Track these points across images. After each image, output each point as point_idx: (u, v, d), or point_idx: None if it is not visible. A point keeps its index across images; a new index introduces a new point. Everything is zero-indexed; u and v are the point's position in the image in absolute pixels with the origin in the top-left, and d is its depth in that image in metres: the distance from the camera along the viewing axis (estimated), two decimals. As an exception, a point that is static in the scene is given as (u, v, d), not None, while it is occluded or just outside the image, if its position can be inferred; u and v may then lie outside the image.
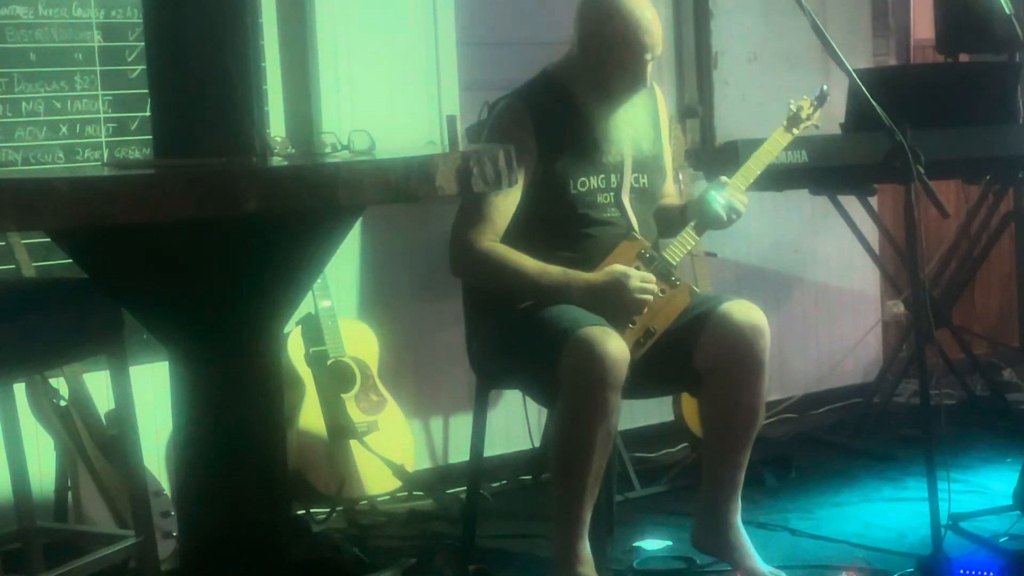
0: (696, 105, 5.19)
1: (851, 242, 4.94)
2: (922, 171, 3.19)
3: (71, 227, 2.46)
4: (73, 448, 3.62)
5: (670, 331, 3.40)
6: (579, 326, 3.19)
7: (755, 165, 3.57)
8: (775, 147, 3.63)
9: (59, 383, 3.66)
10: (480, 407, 3.61)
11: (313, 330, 4.16)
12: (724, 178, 3.54)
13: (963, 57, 5.31)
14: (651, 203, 3.57)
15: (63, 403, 3.64)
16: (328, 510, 4.10)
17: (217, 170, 2.46)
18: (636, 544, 3.82)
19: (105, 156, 3.99)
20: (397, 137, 4.19)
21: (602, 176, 3.45)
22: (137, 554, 3.09)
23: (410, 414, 4.44)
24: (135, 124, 4.03)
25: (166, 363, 2.67)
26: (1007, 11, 4.89)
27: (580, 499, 3.25)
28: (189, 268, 2.48)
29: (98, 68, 3.99)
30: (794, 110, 3.64)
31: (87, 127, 3.98)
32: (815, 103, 3.66)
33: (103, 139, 4.00)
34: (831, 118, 4.36)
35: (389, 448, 4.17)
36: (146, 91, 2.87)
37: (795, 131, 3.64)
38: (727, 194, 3.47)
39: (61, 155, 3.93)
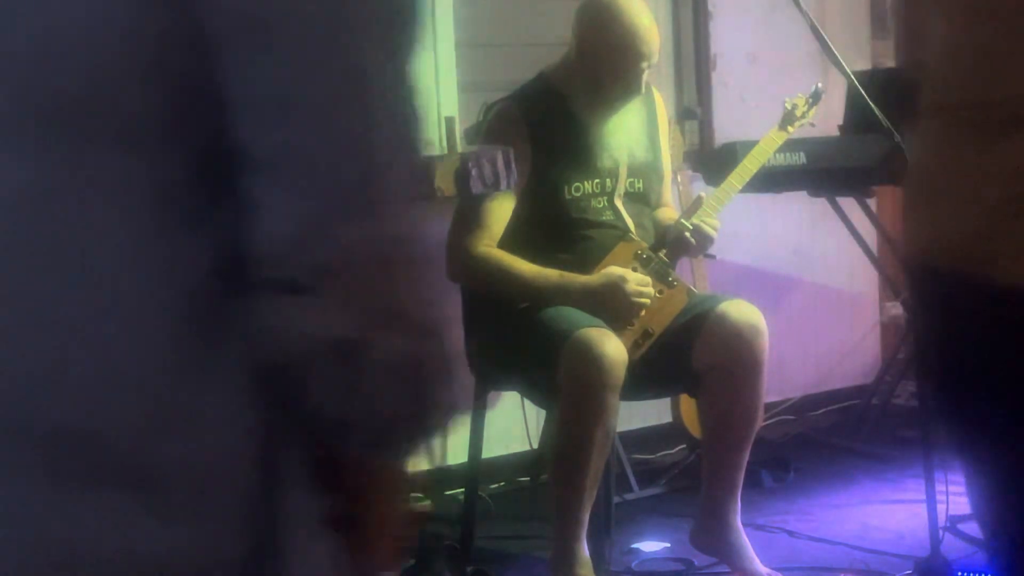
0: (695, 107, 5.19)
1: (849, 244, 4.94)
2: (920, 173, 3.19)
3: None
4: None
5: (668, 332, 3.40)
6: (577, 327, 3.19)
7: (751, 164, 3.58)
8: (771, 145, 3.64)
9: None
10: (478, 408, 3.61)
11: (311, 331, 4.16)
12: (701, 194, 3.57)
13: (962, 59, 5.31)
14: (647, 205, 3.57)
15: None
16: (326, 511, 4.10)
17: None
18: (634, 546, 3.82)
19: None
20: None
21: (596, 181, 3.45)
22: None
23: (408, 415, 4.43)
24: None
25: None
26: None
27: (578, 500, 3.25)
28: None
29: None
30: (789, 108, 3.65)
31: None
32: (810, 101, 3.66)
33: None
34: (830, 120, 4.37)
35: (387, 449, 4.17)
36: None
37: (790, 129, 3.65)
38: (696, 220, 3.47)
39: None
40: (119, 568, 0.93)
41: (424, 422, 0.99)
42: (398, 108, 0.98)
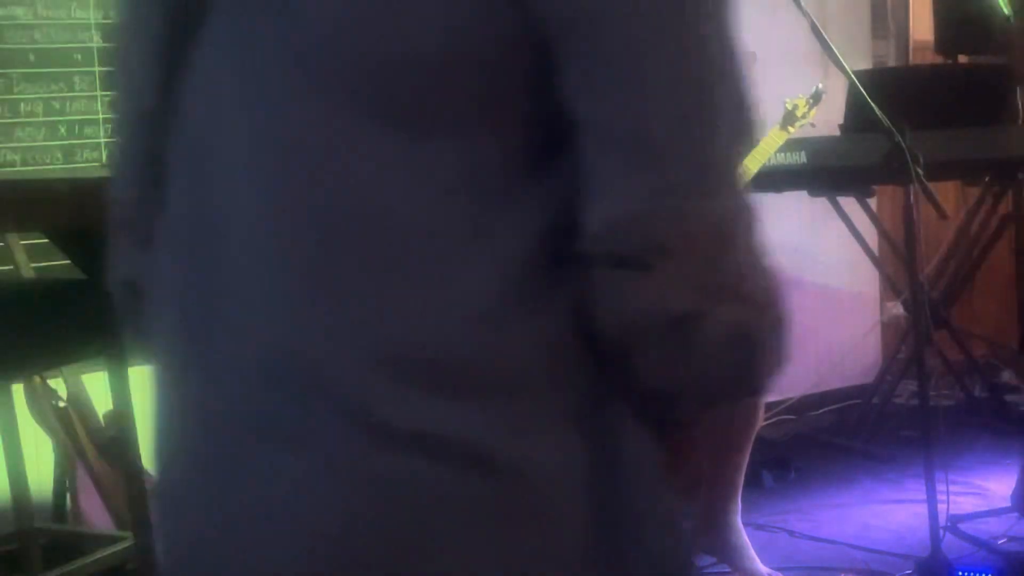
0: (695, 106, 5.19)
1: (850, 243, 4.94)
2: (921, 172, 3.19)
3: (70, 228, 2.46)
4: (72, 449, 3.62)
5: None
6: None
7: (751, 164, 3.58)
8: (771, 146, 3.64)
9: (58, 384, 3.66)
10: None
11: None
12: None
13: (962, 59, 5.32)
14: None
15: (62, 404, 3.64)
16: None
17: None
18: (635, 545, 3.81)
19: (104, 157, 3.99)
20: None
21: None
22: (135, 555, 3.09)
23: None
24: (134, 125, 4.03)
25: (165, 364, 2.67)
26: (1005, 13, 4.89)
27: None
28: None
29: (97, 69, 3.99)
30: (789, 108, 3.65)
31: (86, 128, 3.98)
32: (810, 101, 3.66)
33: (102, 140, 4.00)
34: (830, 119, 4.36)
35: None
36: (145, 92, 2.87)
37: (790, 129, 3.65)
38: None
39: (60, 156, 3.93)
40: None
41: (746, 391, 1.01)
42: (736, 81, 1.00)
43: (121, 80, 1.17)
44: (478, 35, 0.95)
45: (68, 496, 3.66)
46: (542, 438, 0.98)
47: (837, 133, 4.58)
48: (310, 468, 0.96)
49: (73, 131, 3.96)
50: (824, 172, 4.44)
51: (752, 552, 3.45)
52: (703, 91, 0.97)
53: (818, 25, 3.26)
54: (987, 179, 5.04)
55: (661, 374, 0.98)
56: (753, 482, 4.07)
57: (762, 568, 3.43)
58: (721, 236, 0.96)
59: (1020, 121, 4.77)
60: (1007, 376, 5.59)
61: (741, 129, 0.99)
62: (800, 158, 4.34)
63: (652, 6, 0.95)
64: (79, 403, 3.66)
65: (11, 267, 3.66)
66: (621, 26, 0.95)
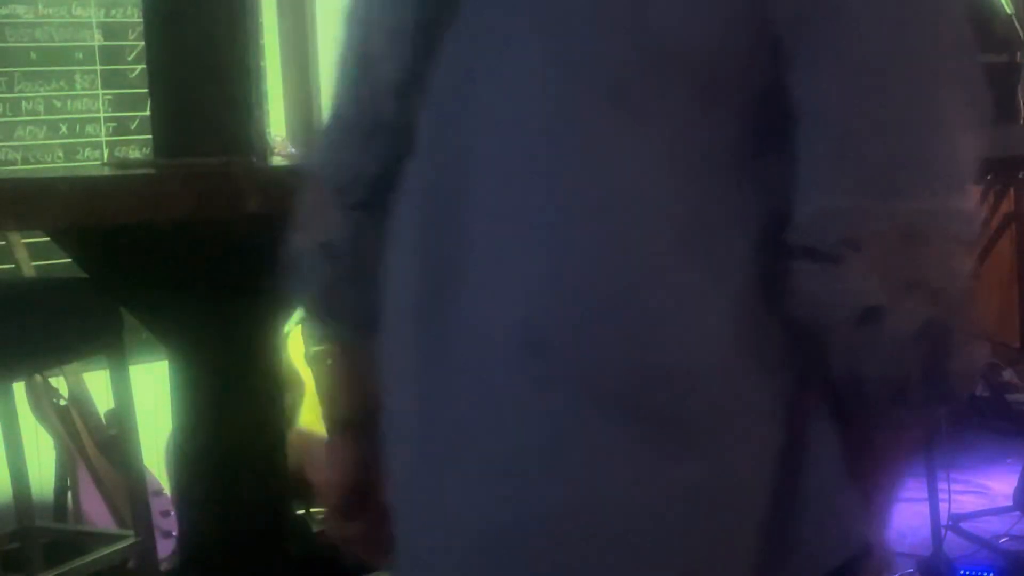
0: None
1: (851, 242, 4.93)
2: (923, 171, 3.19)
3: (71, 227, 2.46)
4: (73, 448, 3.62)
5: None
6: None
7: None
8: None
9: (59, 382, 3.65)
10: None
11: (313, 330, 4.15)
12: None
13: (963, 57, 5.31)
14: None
15: (63, 402, 3.64)
16: (328, 510, 4.09)
17: (217, 169, 2.47)
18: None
19: (105, 155, 3.99)
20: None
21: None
22: (136, 554, 3.08)
23: (410, 414, 4.42)
24: (135, 123, 4.03)
25: (166, 362, 2.67)
26: (1007, 11, 4.89)
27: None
28: (189, 268, 2.48)
29: (98, 67, 3.99)
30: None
31: (87, 126, 3.98)
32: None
33: (103, 138, 4.00)
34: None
35: (389, 448, 4.16)
36: (146, 90, 2.87)
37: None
38: None
39: (61, 154, 3.93)
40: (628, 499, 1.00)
41: (935, 391, 1.01)
42: (969, 85, 1.01)
43: (357, 49, 1.23)
44: (723, 28, 0.99)
45: (69, 495, 3.66)
46: (744, 426, 1.02)
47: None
48: (537, 437, 1.01)
49: (74, 129, 3.96)
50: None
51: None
52: (925, 95, 0.99)
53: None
54: (988, 178, 5.03)
55: (849, 365, 1.00)
56: (754, 481, 4.07)
57: (763, 567, 3.43)
58: (916, 236, 0.98)
59: (1021, 120, 4.76)
60: (1008, 375, 5.59)
61: (971, 132, 1.00)
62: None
63: (884, 8, 0.98)
64: (80, 402, 3.66)
65: (12, 266, 3.66)
66: (852, 27, 0.97)
